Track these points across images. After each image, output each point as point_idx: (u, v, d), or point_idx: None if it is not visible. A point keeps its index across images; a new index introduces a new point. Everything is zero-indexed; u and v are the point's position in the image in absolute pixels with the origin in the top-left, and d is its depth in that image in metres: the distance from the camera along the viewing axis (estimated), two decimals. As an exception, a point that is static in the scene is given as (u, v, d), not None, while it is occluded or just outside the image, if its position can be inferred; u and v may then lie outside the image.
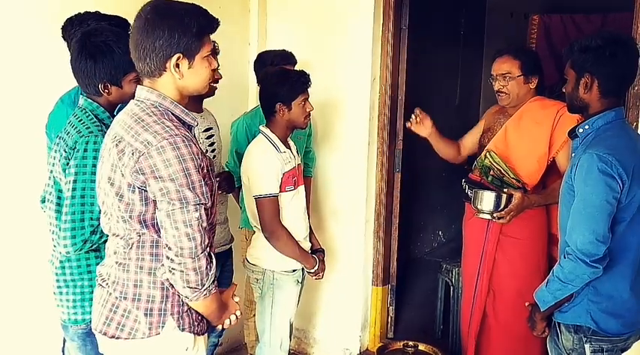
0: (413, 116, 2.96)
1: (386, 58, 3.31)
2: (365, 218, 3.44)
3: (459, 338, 3.49)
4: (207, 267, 1.68)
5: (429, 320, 3.94)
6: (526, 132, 2.70)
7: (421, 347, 3.17)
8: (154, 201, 1.66)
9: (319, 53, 3.37)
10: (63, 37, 2.27)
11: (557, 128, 2.61)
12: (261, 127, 2.56)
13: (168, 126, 1.63)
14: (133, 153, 1.62)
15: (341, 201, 3.48)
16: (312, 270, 2.61)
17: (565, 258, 1.92)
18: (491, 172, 2.74)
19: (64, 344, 2.28)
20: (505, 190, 2.62)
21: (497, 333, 2.83)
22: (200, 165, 1.66)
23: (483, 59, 5.67)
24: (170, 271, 1.66)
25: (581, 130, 2.02)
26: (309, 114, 2.56)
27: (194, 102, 2.71)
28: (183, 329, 1.74)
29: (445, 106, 5.43)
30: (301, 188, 2.61)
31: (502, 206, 2.57)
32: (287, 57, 3.02)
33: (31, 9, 2.53)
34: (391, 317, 3.70)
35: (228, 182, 2.76)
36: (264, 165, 2.45)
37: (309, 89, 2.53)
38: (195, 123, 1.78)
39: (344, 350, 3.56)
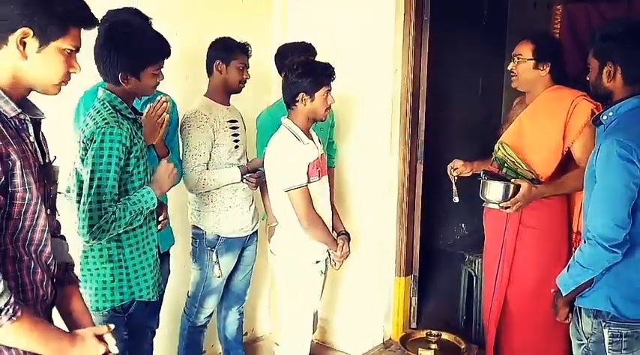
0: (450, 171, 2.92)
1: (408, 49, 3.31)
2: (387, 208, 3.46)
3: (482, 328, 3.50)
4: None
5: (452, 311, 3.95)
6: (540, 122, 2.69)
7: (444, 336, 3.19)
8: None
9: (340, 44, 3.38)
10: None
11: (572, 118, 2.59)
12: (282, 119, 2.58)
13: None
14: None
15: (363, 192, 3.50)
16: (338, 253, 2.62)
17: (585, 242, 1.94)
18: (506, 164, 2.75)
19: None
20: (512, 180, 2.63)
21: (518, 322, 2.83)
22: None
23: (506, 50, 5.62)
24: None
25: (605, 117, 2.03)
26: (330, 107, 2.57)
27: (223, 96, 2.80)
28: None
29: (468, 97, 5.40)
30: (325, 178, 2.64)
31: (510, 196, 2.58)
32: (307, 49, 3.04)
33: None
34: (414, 308, 3.71)
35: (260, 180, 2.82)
36: (290, 157, 2.48)
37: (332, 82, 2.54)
38: (13, 113, 1.43)
39: (367, 339, 3.58)
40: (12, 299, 1.32)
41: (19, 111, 1.44)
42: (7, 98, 1.42)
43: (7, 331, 1.32)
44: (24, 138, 1.45)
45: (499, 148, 2.77)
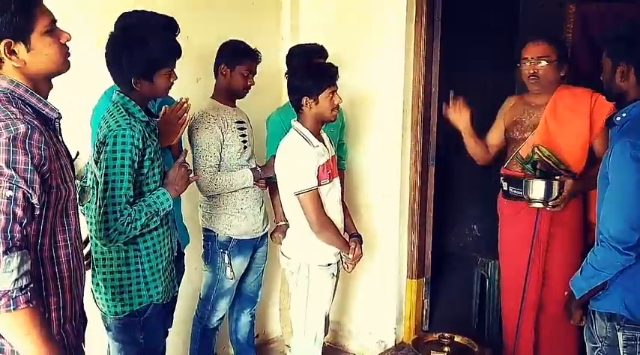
0: (451, 100, 2.91)
1: (419, 50, 3.31)
2: (399, 211, 3.45)
3: (495, 331, 3.47)
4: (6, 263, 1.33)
5: (465, 314, 3.92)
6: (564, 120, 2.69)
7: (457, 338, 3.17)
8: None
9: (352, 46, 3.39)
10: None
11: (595, 111, 2.62)
12: (292, 122, 2.58)
13: (12, 112, 1.44)
14: None
15: (375, 194, 3.50)
16: (351, 255, 2.61)
17: (598, 245, 1.93)
18: (538, 166, 2.72)
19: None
20: (557, 177, 2.62)
21: (554, 322, 2.80)
22: (41, 155, 1.43)
23: (516, 50, 5.59)
24: None
25: (618, 118, 2.02)
26: (338, 107, 2.54)
27: (228, 99, 2.80)
28: None
29: (478, 98, 5.37)
30: (336, 180, 2.64)
31: (555, 193, 2.58)
32: (318, 51, 3.04)
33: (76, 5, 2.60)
34: (426, 310, 3.70)
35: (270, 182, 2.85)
36: (300, 160, 2.47)
37: (338, 81, 2.51)
38: (55, 115, 1.57)
39: (379, 342, 3.57)
40: (28, 284, 1.35)
41: (58, 110, 1.54)
42: (45, 100, 1.51)
43: (15, 315, 1.34)
44: (58, 138, 1.56)
45: (534, 152, 2.71)
